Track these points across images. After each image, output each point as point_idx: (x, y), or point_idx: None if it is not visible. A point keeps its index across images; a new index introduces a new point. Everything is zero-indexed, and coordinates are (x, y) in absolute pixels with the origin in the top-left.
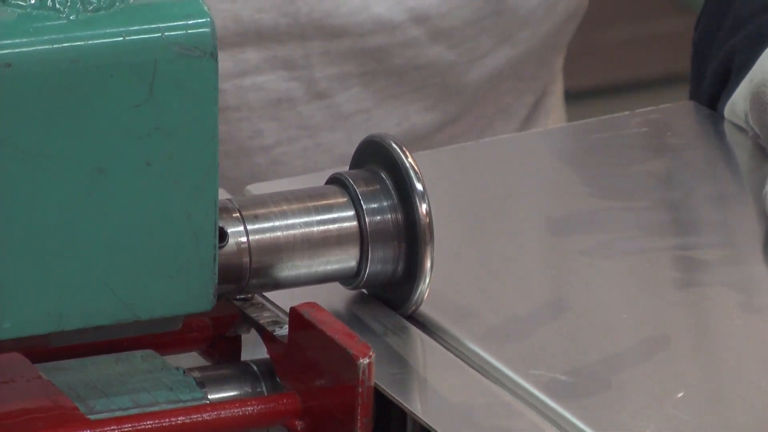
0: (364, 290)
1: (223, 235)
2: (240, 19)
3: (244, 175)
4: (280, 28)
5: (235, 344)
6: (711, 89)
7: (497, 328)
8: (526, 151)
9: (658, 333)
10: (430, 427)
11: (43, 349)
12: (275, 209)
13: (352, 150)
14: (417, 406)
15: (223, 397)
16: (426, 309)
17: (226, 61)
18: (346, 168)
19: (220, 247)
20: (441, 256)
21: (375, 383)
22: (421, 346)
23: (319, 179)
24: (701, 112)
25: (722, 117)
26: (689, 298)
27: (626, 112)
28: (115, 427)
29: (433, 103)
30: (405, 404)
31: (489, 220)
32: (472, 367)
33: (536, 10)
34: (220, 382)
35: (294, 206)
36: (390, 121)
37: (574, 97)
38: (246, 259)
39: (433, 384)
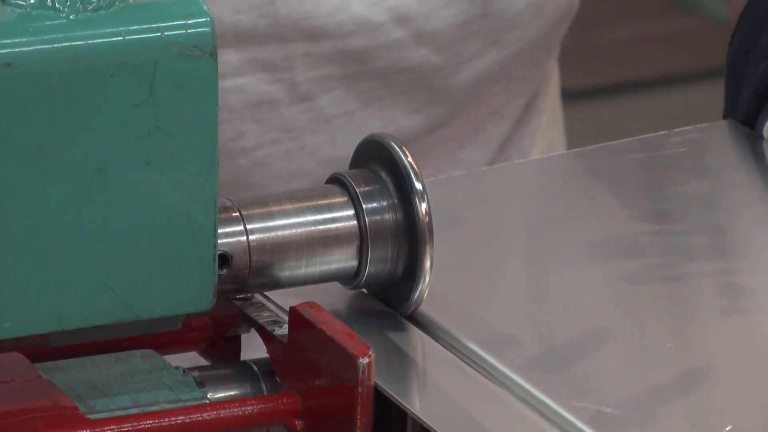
0: (364, 290)
1: (225, 260)
2: (218, 20)
3: (226, 177)
4: (259, 30)
5: (235, 344)
6: (748, 108)
7: (539, 359)
8: (560, 173)
9: (703, 363)
10: (430, 427)
11: (42, 349)
12: (275, 209)
13: (336, 153)
14: (417, 406)
15: (222, 397)
16: (426, 309)
17: None
18: (331, 170)
19: (221, 274)
20: (476, 281)
21: (375, 383)
22: (421, 346)
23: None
24: (739, 132)
25: (761, 137)
26: (734, 326)
27: (663, 132)
28: (114, 426)
29: (420, 106)
30: (405, 404)
31: (524, 244)
32: (482, 375)
33: (524, 13)
34: (220, 382)
35: (294, 206)
36: (375, 124)
37: (574, 97)
38: (246, 259)
39: (433, 384)
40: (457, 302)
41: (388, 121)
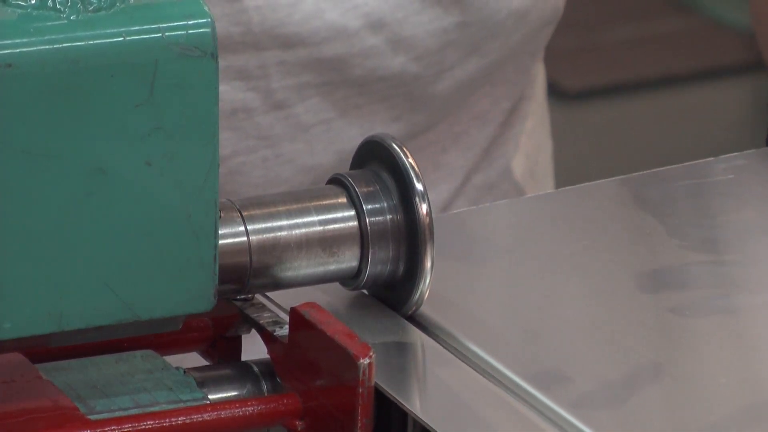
0: (365, 291)
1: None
2: None
3: None
4: (232, 38)
5: (236, 344)
6: None
7: (588, 393)
8: (606, 200)
9: (759, 399)
10: (430, 427)
11: (43, 349)
12: (275, 209)
13: (314, 161)
14: (417, 406)
15: (223, 397)
16: (426, 310)
17: None
18: (309, 179)
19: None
20: (522, 311)
21: (375, 383)
22: (421, 347)
23: None
24: None
25: None
26: None
27: (710, 158)
28: (115, 427)
29: (400, 113)
30: (405, 404)
31: (570, 274)
32: (483, 375)
33: (506, 21)
34: (221, 382)
35: (294, 206)
36: (353, 132)
37: (574, 97)
38: (246, 259)
39: (433, 384)
40: (487, 321)
41: (367, 129)
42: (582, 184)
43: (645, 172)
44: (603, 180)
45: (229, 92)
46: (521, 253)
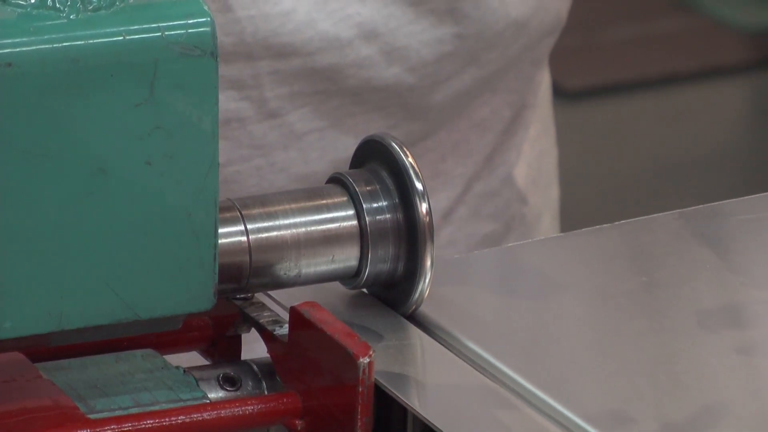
0: (365, 290)
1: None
2: None
3: None
4: (225, 47)
5: (236, 343)
6: None
7: None
8: (664, 235)
9: None
10: (430, 422)
11: (43, 349)
12: (275, 208)
13: (308, 169)
14: (416, 403)
15: (223, 397)
16: (426, 309)
17: None
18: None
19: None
20: (579, 349)
21: (376, 380)
22: (421, 346)
23: None
24: None
25: None
26: None
27: (765, 193)
28: (115, 426)
29: (396, 122)
30: (405, 400)
31: (629, 311)
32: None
33: (504, 33)
34: (221, 382)
35: (294, 205)
36: (347, 141)
37: (574, 97)
38: (246, 259)
39: (433, 382)
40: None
41: (361, 137)
42: (638, 218)
43: (702, 206)
44: (660, 214)
45: (222, 102)
46: (577, 288)
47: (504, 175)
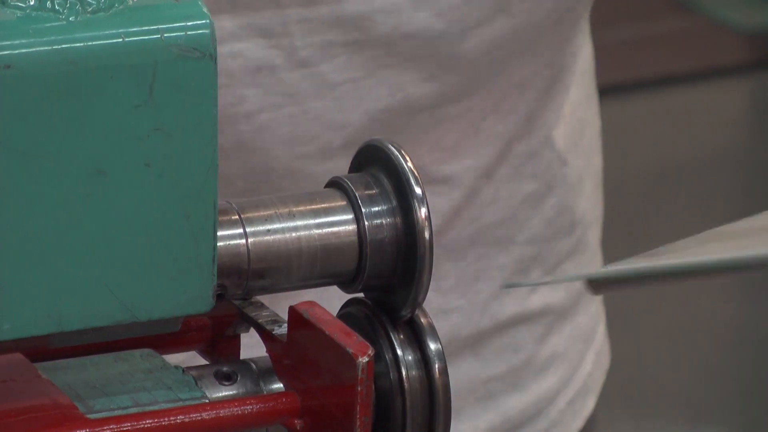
0: (362, 294)
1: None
2: None
3: (229, 142)
4: None
5: (235, 343)
6: None
7: None
8: None
9: None
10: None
11: (42, 349)
12: (274, 212)
13: (343, 118)
14: None
15: (222, 396)
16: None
17: None
18: (339, 135)
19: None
20: None
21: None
22: None
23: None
24: None
25: None
26: None
27: None
28: (114, 426)
29: (430, 74)
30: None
31: None
32: None
33: None
34: (219, 381)
35: (293, 209)
36: (381, 91)
37: None
38: (245, 261)
39: None
40: None
41: (395, 88)
42: None
43: None
44: None
45: (252, 49)
46: None
47: (544, 137)
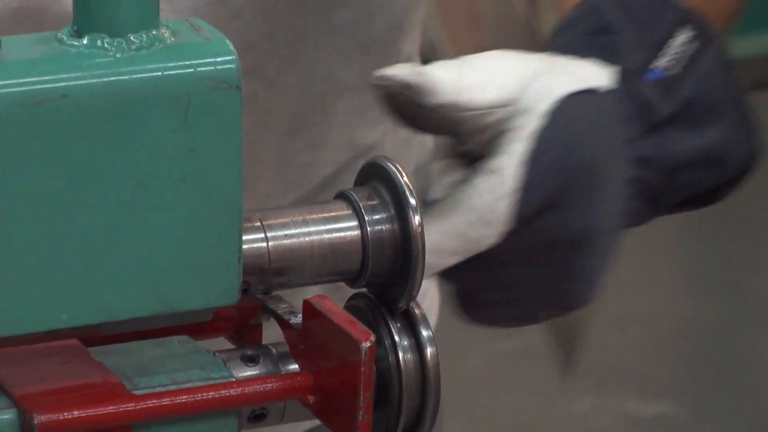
0: (365, 289)
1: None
2: None
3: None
4: None
5: (258, 331)
6: None
7: None
8: None
9: None
10: None
11: (95, 335)
12: (290, 219)
13: None
14: None
15: (246, 376)
16: None
17: None
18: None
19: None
20: None
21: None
22: None
23: None
24: None
25: None
26: None
27: None
28: (155, 401)
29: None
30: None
31: None
32: None
33: None
34: (244, 363)
35: (306, 217)
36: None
37: None
38: (266, 261)
39: None
40: None
41: None
42: None
43: None
44: None
45: None
46: None
47: None
